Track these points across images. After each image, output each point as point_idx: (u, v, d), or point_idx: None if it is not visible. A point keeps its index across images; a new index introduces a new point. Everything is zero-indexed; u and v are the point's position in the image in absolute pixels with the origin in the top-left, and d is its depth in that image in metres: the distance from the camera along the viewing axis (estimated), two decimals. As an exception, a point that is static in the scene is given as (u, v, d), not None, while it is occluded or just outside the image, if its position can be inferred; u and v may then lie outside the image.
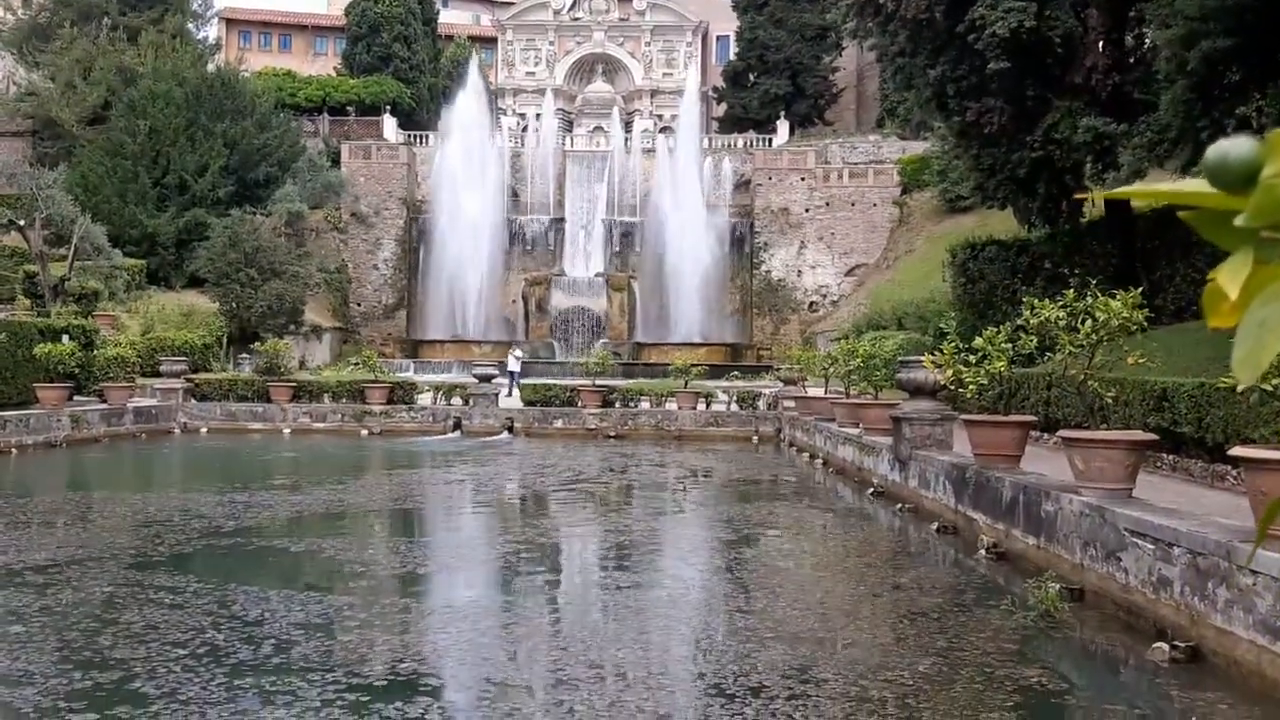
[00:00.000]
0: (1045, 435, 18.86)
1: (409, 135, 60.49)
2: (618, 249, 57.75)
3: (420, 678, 7.68)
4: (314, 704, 6.86)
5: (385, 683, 7.43)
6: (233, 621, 8.98)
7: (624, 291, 54.58)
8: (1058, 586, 10.06)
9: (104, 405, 29.00)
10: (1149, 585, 9.09)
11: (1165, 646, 8.31)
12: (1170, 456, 15.27)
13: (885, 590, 11.06)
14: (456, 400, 32.63)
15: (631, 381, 36.62)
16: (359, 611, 9.49)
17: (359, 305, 56.32)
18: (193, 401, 32.39)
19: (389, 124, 61.12)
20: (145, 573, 11.04)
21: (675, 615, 9.92)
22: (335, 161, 56.87)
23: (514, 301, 56.56)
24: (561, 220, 58.25)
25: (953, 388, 14.45)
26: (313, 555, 12.43)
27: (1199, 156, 20.78)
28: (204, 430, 31.13)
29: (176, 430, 31.08)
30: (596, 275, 55.87)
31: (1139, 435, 11.05)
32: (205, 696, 6.99)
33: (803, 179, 55.85)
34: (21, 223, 39.11)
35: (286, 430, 31.21)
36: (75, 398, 28.66)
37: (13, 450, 24.05)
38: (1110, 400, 13.22)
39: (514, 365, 38.63)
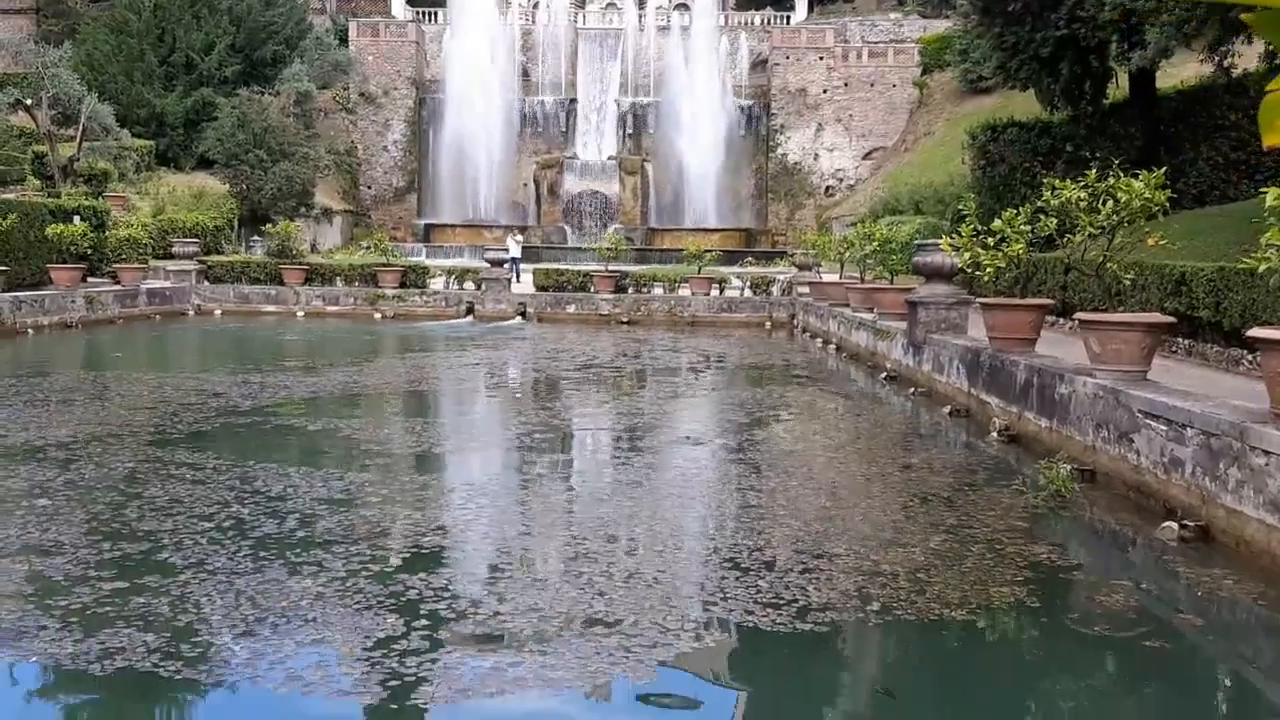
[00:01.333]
0: (1061, 320, 18.83)
1: (418, 12, 59.01)
2: (631, 131, 56.78)
3: (442, 551, 7.84)
4: (339, 574, 7.03)
5: (408, 555, 7.60)
6: (256, 496, 9.14)
7: (637, 175, 53.88)
8: (1069, 468, 10.15)
9: (118, 287, 29.11)
10: (1160, 466, 9.16)
11: (1174, 526, 8.42)
12: (1186, 341, 15.24)
13: (896, 471, 11.17)
14: (469, 284, 32.63)
15: (645, 267, 36.49)
16: (379, 488, 9.64)
17: (369, 188, 55.83)
18: (205, 283, 32.48)
19: (397, 0, 59.67)
20: (166, 449, 11.21)
21: (689, 494, 10.07)
22: (343, 40, 55.67)
23: (525, 185, 55.94)
24: (573, 101, 57.12)
25: (970, 271, 14.35)
26: (330, 434, 12.58)
27: (1227, 35, 20.10)
28: (218, 312, 31.27)
29: (191, 312, 31.26)
30: (609, 158, 55.08)
31: (1156, 318, 10.99)
32: (232, 567, 7.16)
33: (821, 58, 54.58)
34: (29, 102, 38.66)
35: (300, 313, 31.35)
36: (88, 279, 28.75)
37: (29, 330, 24.24)
38: (1128, 283, 13.13)
39: (515, 251, 38.26)
